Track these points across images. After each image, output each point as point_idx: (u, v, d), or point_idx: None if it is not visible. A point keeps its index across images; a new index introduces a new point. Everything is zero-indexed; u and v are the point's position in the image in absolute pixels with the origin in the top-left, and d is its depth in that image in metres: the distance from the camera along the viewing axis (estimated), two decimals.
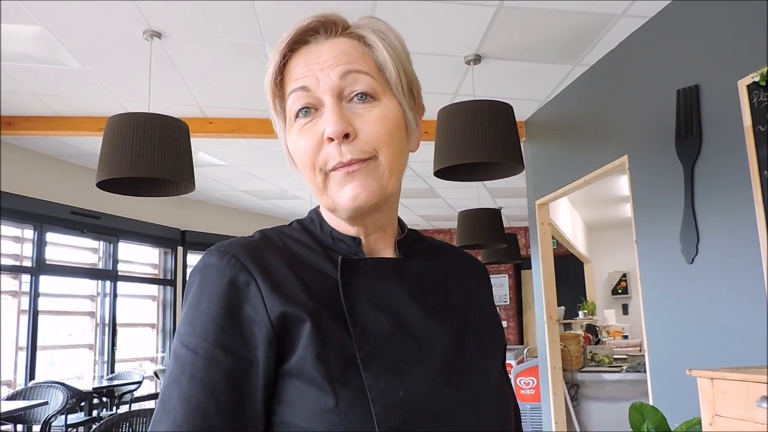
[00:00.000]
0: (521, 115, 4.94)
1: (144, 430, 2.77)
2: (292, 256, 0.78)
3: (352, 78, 0.76)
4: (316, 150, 0.75)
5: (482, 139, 3.20)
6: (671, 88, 3.20)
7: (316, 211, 0.85)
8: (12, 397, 4.93)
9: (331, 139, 0.74)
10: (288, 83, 0.79)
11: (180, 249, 8.01)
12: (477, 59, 3.90)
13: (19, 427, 5.02)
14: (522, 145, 3.97)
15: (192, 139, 3.31)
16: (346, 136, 0.74)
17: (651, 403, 3.39)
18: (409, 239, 0.87)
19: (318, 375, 0.69)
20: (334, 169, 0.75)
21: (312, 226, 0.84)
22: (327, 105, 0.75)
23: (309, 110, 0.77)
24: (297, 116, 0.77)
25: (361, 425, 0.67)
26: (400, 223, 0.88)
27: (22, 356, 5.77)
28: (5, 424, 4.61)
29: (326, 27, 0.79)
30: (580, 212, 9.17)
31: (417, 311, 0.78)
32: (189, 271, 8.27)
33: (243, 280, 0.72)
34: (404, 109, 0.80)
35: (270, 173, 6.85)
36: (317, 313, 0.72)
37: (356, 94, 0.76)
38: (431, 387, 0.73)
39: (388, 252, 0.83)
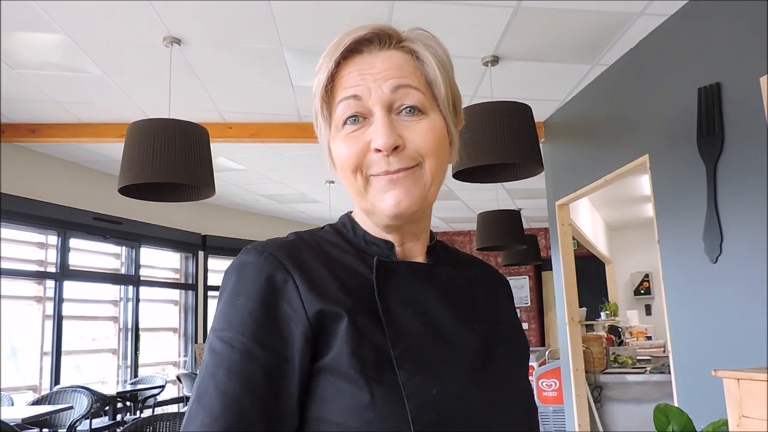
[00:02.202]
0: (540, 115, 4.92)
1: None
2: (328, 257, 0.80)
3: (403, 92, 0.77)
4: (361, 156, 0.77)
5: (501, 140, 3.19)
6: (692, 87, 3.17)
7: (348, 216, 0.87)
8: (37, 402, 4.98)
9: (379, 150, 0.75)
10: (338, 90, 0.79)
11: (201, 254, 8.07)
12: (495, 60, 3.88)
13: (45, 431, 5.07)
14: (541, 145, 3.95)
15: (212, 144, 3.34)
16: (395, 148, 0.75)
17: (676, 404, 3.35)
18: (438, 247, 0.89)
19: (353, 371, 0.70)
20: (377, 174, 0.76)
21: (345, 230, 0.86)
22: (377, 116, 0.76)
23: (357, 118, 0.78)
24: (345, 123, 0.78)
25: (395, 421, 0.68)
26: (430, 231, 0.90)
27: (47, 361, 5.85)
28: (31, 428, 4.66)
29: (381, 38, 0.80)
30: (601, 213, 9.10)
31: (448, 315, 0.80)
32: (210, 275, 8.34)
33: (281, 278, 0.74)
34: (448, 124, 0.82)
35: (289, 177, 6.88)
36: (354, 311, 0.73)
37: (405, 107, 0.77)
38: (463, 387, 0.74)
39: (419, 258, 0.85)
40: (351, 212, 0.87)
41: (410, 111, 0.77)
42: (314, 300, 0.72)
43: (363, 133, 0.77)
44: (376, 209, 0.77)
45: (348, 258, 0.81)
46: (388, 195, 0.76)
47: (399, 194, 0.76)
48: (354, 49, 0.79)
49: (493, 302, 0.90)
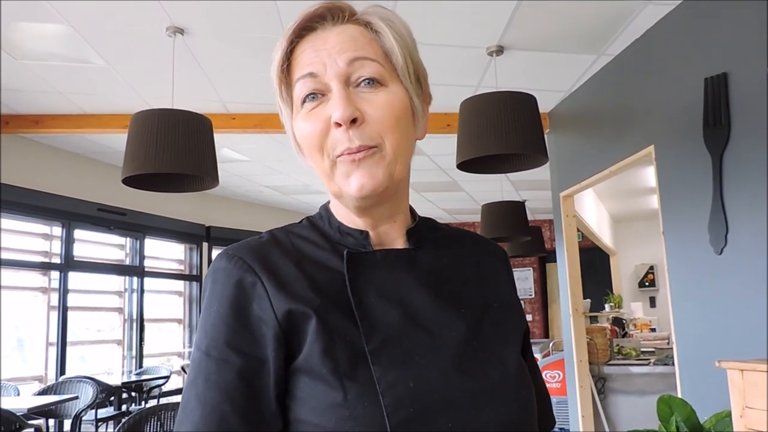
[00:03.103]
0: (545, 106, 4.90)
1: (172, 423, 2.80)
2: (300, 255, 0.79)
3: (359, 64, 0.76)
4: (324, 135, 0.76)
5: (505, 130, 3.17)
6: (699, 77, 3.15)
7: (325, 207, 0.86)
8: (43, 392, 5.01)
9: (339, 125, 0.74)
10: (295, 70, 0.79)
11: (205, 245, 8.08)
12: (500, 50, 3.86)
13: (51, 421, 5.10)
14: (546, 136, 3.93)
15: (215, 135, 3.34)
16: (354, 120, 0.74)
17: (680, 395, 3.35)
18: (422, 228, 0.86)
19: (325, 370, 0.69)
20: (341, 155, 0.75)
21: (321, 222, 0.85)
22: (334, 90, 0.75)
23: (316, 95, 0.77)
24: (304, 102, 0.78)
25: (370, 418, 0.67)
26: (412, 212, 0.87)
27: (53, 352, 5.87)
28: (37, 418, 4.69)
29: (333, 13, 0.79)
30: (606, 204, 9.08)
31: (429, 301, 0.77)
32: None
33: (249, 281, 0.74)
34: (411, 95, 0.80)
35: (293, 168, 6.87)
36: (323, 309, 0.72)
37: (363, 80, 0.76)
38: (444, 376, 0.72)
39: (399, 242, 0.83)
40: (329, 201, 0.86)
41: (369, 83, 0.76)
42: (282, 301, 0.72)
43: (323, 109, 0.76)
44: (343, 192, 0.76)
45: (321, 253, 0.79)
46: (352, 178, 0.74)
47: (362, 177, 0.74)
48: (308, 27, 0.79)
49: (485, 277, 0.87)
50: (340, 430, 0.67)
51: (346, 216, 0.82)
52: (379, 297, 0.75)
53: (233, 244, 0.79)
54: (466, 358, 0.75)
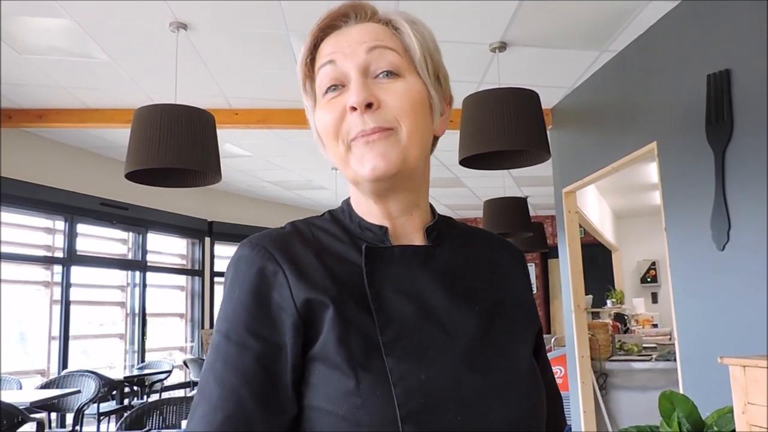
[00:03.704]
0: (547, 102, 4.89)
1: (174, 417, 2.81)
2: (320, 246, 0.81)
3: (379, 53, 0.79)
4: (339, 121, 0.78)
5: (508, 127, 3.17)
6: (701, 73, 3.14)
7: (347, 202, 0.88)
8: (45, 386, 5.03)
9: (354, 109, 0.76)
10: (318, 62, 0.82)
11: (207, 240, 8.09)
12: (502, 47, 3.86)
13: (53, 415, 5.12)
14: (548, 132, 3.93)
15: (218, 130, 3.34)
16: (369, 105, 0.76)
17: (681, 391, 3.35)
18: (441, 226, 0.87)
19: (340, 359, 0.71)
20: (355, 138, 0.77)
21: (342, 216, 0.86)
22: (352, 78, 0.78)
23: (336, 87, 0.79)
24: (325, 93, 0.80)
25: (382, 407, 0.69)
26: (432, 210, 0.89)
27: (55, 346, 5.89)
28: (39, 412, 4.71)
29: (357, 12, 0.83)
30: (608, 200, 9.07)
31: (444, 298, 0.79)
32: (216, 261, 8.39)
33: (271, 270, 0.75)
34: (429, 89, 0.82)
35: (296, 164, 6.87)
36: (340, 299, 0.74)
37: (382, 72, 0.79)
38: (456, 372, 0.74)
39: (417, 239, 0.84)
40: (350, 197, 0.88)
41: (387, 75, 0.79)
42: (302, 289, 0.74)
43: (341, 98, 0.78)
44: (358, 176, 0.78)
45: (341, 246, 0.81)
46: (365, 160, 0.76)
47: (374, 157, 0.76)
48: (332, 26, 0.83)
49: (500, 277, 0.88)
50: (351, 418, 0.69)
51: (367, 212, 0.84)
52: (395, 291, 0.77)
53: (255, 234, 0.81)
54: (478, 354, 0.76)
